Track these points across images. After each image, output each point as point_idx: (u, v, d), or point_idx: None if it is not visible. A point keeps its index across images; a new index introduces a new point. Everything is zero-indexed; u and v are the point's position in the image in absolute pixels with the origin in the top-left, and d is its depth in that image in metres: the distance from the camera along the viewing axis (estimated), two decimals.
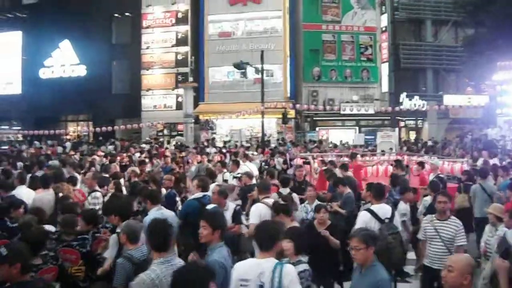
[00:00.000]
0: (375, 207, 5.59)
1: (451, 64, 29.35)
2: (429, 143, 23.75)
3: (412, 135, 30.14)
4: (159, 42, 30.09)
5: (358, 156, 13.07)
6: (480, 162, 13.10)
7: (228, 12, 28.48)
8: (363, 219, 5.48)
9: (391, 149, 18.24)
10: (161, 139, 27.45)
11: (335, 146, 21.94)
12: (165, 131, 29.85)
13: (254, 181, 9.02)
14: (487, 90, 28.23)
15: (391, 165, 11.38)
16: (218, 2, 28.46)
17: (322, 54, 28.62)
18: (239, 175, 9.39)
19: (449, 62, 29.46)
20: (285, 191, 7.13)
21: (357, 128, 27.65)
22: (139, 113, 29.67)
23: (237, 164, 10.68)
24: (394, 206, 6.32)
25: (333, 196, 7.75)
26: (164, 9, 30.00)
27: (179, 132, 28.86)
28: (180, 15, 29.78)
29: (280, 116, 24.65)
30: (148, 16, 30.32)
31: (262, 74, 22.01)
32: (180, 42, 29.67)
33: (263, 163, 14.76)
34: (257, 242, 3.55)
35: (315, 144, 20.97)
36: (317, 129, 27.52)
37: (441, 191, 6.31)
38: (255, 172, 11.09)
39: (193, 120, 26.20)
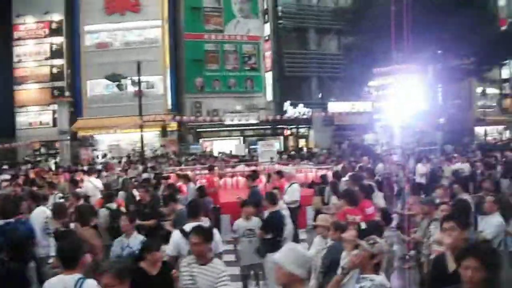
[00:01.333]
0: (189, 226, 5.48)
1: (335, 72, 35.11)
2: (316, 150, 28.98)
3: (302, 143, 35.41)
4: (32, 54, 33.20)
5: (216, 168, 14.83)
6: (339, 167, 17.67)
7: (105, 22, 32.26)
8: (173, 239, 5.68)
9: (272, 158, 22.62)
10: (38, 159, 30.01)
11: (215, 157, 25.93)
12: (42, 150, 32.49)
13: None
14: (369, 97, 34.17)
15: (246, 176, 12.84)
16: (94, 11, 32.15)
17: (205, 64, 33.31)
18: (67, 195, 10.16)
19: (333, 69, 35.25)
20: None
21: (241, 138, 32.39)
22: (13, 132, 32.29)
23: (74, 183, 11.59)
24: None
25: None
26: (36, 19, 33.11)
27: (57, 151, 31.69)
28: (54, 25, 33.16)
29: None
30: (19, 27, 33.28)
31: (139, 86, 25.70)
32: (55, 54, 33.05)
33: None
34: (60, 260, 4.00)
35: (192, 157, 24.70)
36: (200, 141, 31.81)
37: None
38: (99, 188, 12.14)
39: (68, 137, 29.39)
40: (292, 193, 10.60)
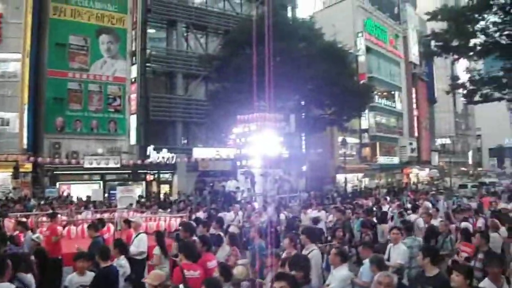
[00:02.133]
0: None
1: (200, 118, 38.99)
2: (176, 197, 32.20)
3: (165, 189, 38.61)
4: None
5: (60, 216, 15.11)
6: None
7: None
8: None
9: (131, 204, 24.73)
10: None
11: (71, 202, 28.03)
12: None
13: None
14: (233, 143, 38.24)
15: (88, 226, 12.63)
16: None
17: (67, 103, 35.32)
18: None
19: (199, 115, 39.11)
20: None
21: (101, 182, 34.90)
22: None
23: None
24: None
25: None
26: None
27: None
28: None
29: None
30: None
31: None
32: None
33: None
34: None
35: (43, 202, 26.59)
36: (57, 184, 33.74)
37: None
38: None
39: None
40: (139, 243, 10.93)
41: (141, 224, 12.44)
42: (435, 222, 13.89)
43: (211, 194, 31.29)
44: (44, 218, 16.07)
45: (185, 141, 40.43)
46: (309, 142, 45.38)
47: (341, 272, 7.54)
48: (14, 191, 31.54)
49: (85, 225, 14.40)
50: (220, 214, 20.19)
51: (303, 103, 40.54)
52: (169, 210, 23.24)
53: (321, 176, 46.40)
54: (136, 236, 11.17)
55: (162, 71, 39.87)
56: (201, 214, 19.82)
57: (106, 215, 18.67)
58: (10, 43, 33.08)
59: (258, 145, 30.32)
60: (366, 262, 8.04)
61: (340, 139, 44.79)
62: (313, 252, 8.73)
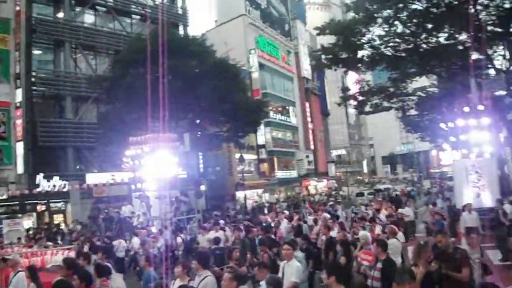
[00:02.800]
0: None
1: (93, 142, 37.52)
2: (70, 226, 30.68)
3: (59, 219, 36.76)
4: None
5: None
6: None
7: None
8: None
9: (19, 238, 23.18)
10: None
11: None
12: None
13: None
14: (127, 167, 37.22)
15: None
16: None
17: None
18: None
19: (90, 139, 37.58)
20: None
21: None
22: None
23: None
24: None
25: None
26: None
27: None
28: None
29: None
30: None
31: None
32: None
33: None
34: None
35: None
36: None
37: None
38: None
39: None
40: (17, 283, 10.08)
41: (19, 261, 11.41)
42: (334, 233, 13.90)
43: (106, 221, 30.06)
44: None
45: (79, 167, 38.70)
46: (206, 161, 45.13)
47: None
48: None
49: None
50: (114, 242, 19.78)
51: (198, 121, 40.33)
52: (60, 242, 21.95)
53: (220, 194, 46.32)
54: (15, 275, 10.25)
55: (50, 94, 38.02)
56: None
57: None
58: None
59: (153, 167, 29.75)
60: (263, 284, 7.72)
61: (237, 156, 44.91)
62: (206, 279, 8.25)
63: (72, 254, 14.43)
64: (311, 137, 69.86)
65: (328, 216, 19.81)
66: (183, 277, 8.46)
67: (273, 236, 16.59)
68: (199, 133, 40.63)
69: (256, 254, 14.06)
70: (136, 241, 19.75)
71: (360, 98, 39.33)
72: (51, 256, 15.76)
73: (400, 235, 13.00)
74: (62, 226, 33.45)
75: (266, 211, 37.95)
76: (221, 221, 28.17)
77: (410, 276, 5.94)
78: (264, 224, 20.11)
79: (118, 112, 34.26)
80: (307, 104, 70.21)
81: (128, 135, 31.04)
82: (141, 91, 30.03)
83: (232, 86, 35.93)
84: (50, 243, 20.51)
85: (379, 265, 8.71)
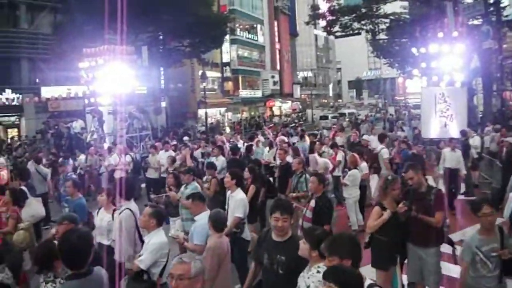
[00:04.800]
0: None
1: (48, 53, 35.46)
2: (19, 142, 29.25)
3: (12, 133, 35.21)
4: None
5: None
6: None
7: None
8: None
9: None
10: None
11: None
12: None
13: None
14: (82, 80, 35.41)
15: None
16: None
17: None
18: None
19: (46, 50, 35.50)
20: None
21: None
22: None
23: None
24: None
25: None
26: None
27: None
28: None
29: None
30: None
31: None
32: None
33: None
34: None
35: None
36: None
37: None
38: None
39: None
40: None
41: None
42: (291, 159, 12.15)
43: (55, 137, 28.65)
44: None
45: (35, 80, 36.68)
46: (168, 77, 43.73)
47: (153, 239, 5.89)
48: None
49: None
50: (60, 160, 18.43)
51: (161, 36, 38.61)
52: (5, 157, 20.52)
53: (182, 111, 45.25)
54: None
55: (3, 2, 35.22)
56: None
57: None
58: None
59: (107, 81, 28.41)
60: (199, 218, 6.76)
61: (200, 72, 43.53)
62: (123, 213, 6.94)
63: (4, 173, 13.39)
64: (277, 57, 68.34)
65: (285, 139, 17.85)
66: (107, 207, 7.56)
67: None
68: (161, 47, 39.02)
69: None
70: (82, 159, 18.47)
71: (330, 17, 37.93)
72: None
73: (364, 165, 11.87)
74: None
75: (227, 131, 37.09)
76: (185, 138, 27.32)
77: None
78: (227, 144, 18.15)
79: (74, 22, 32.27)
80: (275, 23, 68.16)
81: (84, 47, 29.48)
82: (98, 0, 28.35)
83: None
84: None
85: (312, 203, 7.53)
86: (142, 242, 6.37)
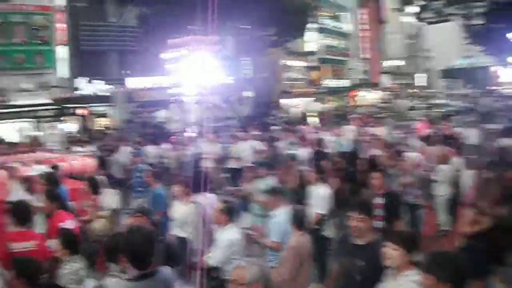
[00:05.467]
0: None
1: (136, 46, 36.30)
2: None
3: (105, 122, 36.25)
4: None
5: None
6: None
7: None
8: None
9: (58, 142, 22.65)
10: None
11: None
12: None
13: None
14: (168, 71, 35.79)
15: None
16: None
17: None
18: None
19: (133, 43, 36.35)
20: None
21: (32, 120, 32.15)
22: None
23: None
24: None
25: None
26: None
27: None
28: None
29: None
30: None
31: None
32: None
33: None
34: None
35: None
36: None
37: None
38: None
39: None
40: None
41: (19, 170, 10.45)
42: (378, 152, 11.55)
43: (140, 126, 29.10)
44: None
45: (123, 72, 37.63)
46: (254, 67, 43.35)
47: (225, 235, 5.73)
48: None
49: None
50: (147, 148, 18.61)
51: (246, 25, 38.29)
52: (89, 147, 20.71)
53: (267, 101, 44.66)
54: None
55: None
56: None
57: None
58: None
59: (192, 71, 28.52)
60: (277, 214, 6.41)
61: (285, 62, 42.91)
62: (196, 205, 7.06)
63: (92, 161, 13.17)
64: (365, 45, 66.20)
65: (371, 129, 17.36)
66: (183, 198, 7.53)
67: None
68: (247, 36, 38.68)
69: None
70: (166, 147, 18.66)
71: (422, 2, 35.93)
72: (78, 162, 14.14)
73: (456, 160, 10.73)
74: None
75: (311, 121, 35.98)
76: (274, 127, 26.69)
77: None
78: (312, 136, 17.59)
79: (159, 14, 32.68)
80: (362, 10, 65.99)
81: (169, 38, 29.75)
82: None
83: None
84: (79, 148, 18.87)
85: (379, 200, 6.88)
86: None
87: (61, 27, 34.41)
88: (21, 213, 5.91)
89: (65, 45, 34.31)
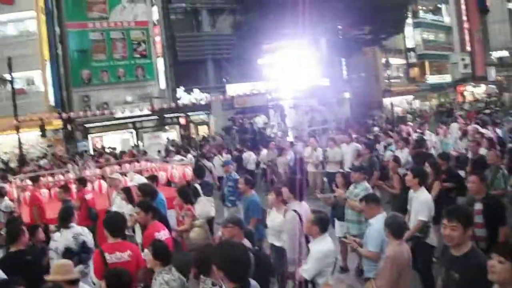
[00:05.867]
0: None
1: (231, 53, 36.15)
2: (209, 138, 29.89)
3: (203, 130, 36.44)
4: None
5: (42, 178, 13.18)
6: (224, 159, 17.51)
7: None
8: None
9: (159, 151, 22.91)
10: None
11: (101, 154, 26.14)
12: None
13: None
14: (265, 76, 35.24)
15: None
16: None
17: (91, 55, 33.59)
18: None
19: (228, 50, 36.28)
20: None
21: (133, 131, 33.07)
22: None
23: None
24: None
25: None
26: None
27: None
28: None
29: (49, 128, 29.13)
30: None
31: (12, 84, 26.16)
32: None
33: None
34: None
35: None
36: (89, 137, 32.24)
37: None
38: None
39: None
40: (120, 204, 8.90)
41: (121, 180, 10.36)
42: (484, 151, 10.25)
43: (239, 132, 28.72)
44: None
45: (226, 78, 37.57)
46: (350, 67, 41.96)
47: (318, 246, 5.31)
48: (49, 149, 30.49)
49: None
50: (244, 154, 18.61)
51: (339, 26, 37.05)
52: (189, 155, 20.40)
53: (366, 102, 43.04)
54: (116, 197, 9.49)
55: (186, 9, 37.23)
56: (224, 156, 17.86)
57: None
58: (22, 1, 31.48)
59: (287, 75, 27.94)
60: (374, 222, 5.98)
61: (383, 60, 41.16)
62: (289, 213, 6.59)
63: (188, 170, 12.88)
64: (467, 37, 62.39)
65: (479, 128, 15.70)
66: (277, 206, 7.11)
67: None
68: (340, 37, 37.44)
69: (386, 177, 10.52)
70: (265, 153, 18.17)
71: None
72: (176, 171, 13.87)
73: None
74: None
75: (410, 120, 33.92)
76: (376, 128, 25.31)
77: None
78: (413, 136, 16.14)
79: (252, 20, 32.47)
80: (462, 1, 62.45)
81: (263, 43, 29.45)
82: None
83: None
84: (179, 157, 18.69)
85: (478, 206, 6.14)
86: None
87: (158, 40, 34.99)
88: (114, 224, 5.83)
89: (162, 57, 34.75)
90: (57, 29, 33.38)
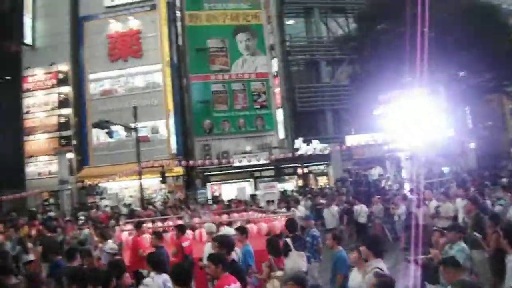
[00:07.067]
0: None
1: (349, 103, 35.14)
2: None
3: (323, 181, 35.30)
4: (41, 105, 34.72)
5: (145, 225, 13.11)
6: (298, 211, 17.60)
7: (109, 69, 33.78)
8: None
9: (272, 201, 22.41)
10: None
11: (217, 202, 25.88)
12: (51, 200, 33.39)
13: None
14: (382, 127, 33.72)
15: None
16: (99, 59, 33.72)
17: (212, 105, 34.14)
18: None
19: (347, 101, 35.26)
20: None
21: (251, 180, 32.70)
22: (22, 183, 33.47)
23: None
24: None
25: None
26: (45, 70, 34.74)
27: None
28: (60, 75, 34.61)
29: (170, 175, 29.75)
30: (28, 79, 35.00)
31: (136, 132, 26.82)
32: (62, 104, 34.41)
33: None
34: None
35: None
36: (208, 184, 32.26)
37: None
38: None
39: (69, 187, 30.40)
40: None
41: (213, 230, 10.43)
42: None
43: (354, 184, 27.34)
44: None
45: (339, 129, 36.88)
46: (475, 116, 39.29)
47: None
48: (170, 195, 31.04)
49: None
50: (356, 207, 17.44)
51: (461, 73, 34.92)
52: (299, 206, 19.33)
53: (493, 152, 39.78)
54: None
55: (305, 61, 37.20)
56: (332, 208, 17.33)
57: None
58: (150, 55, 33.38)
59: (406, 125, 26.54)
60: None
61: (511, 107, 38.16)
62: (371, 273, 5.75)
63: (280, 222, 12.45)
64: None
65: None
66: (359, 265, 6.53)
67: None
68: (461, 84, 35.20)
69: None
70: (377, 206, 17.34)
71: None
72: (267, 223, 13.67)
73: None
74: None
75: None
76: (504, 180, 22.48)
77: None
78: None
79: (367, 70, 31.52)
80: None
81: (380, 93, 28.50)
82: (388, 45, 27.64)
83: (489, 28, 29.74)
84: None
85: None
86: None
87: (277, 91, 34.93)
88: (181, 275, 5.69)
89: (281, 107, 34.56)
90: (182, 81, 34.45)
